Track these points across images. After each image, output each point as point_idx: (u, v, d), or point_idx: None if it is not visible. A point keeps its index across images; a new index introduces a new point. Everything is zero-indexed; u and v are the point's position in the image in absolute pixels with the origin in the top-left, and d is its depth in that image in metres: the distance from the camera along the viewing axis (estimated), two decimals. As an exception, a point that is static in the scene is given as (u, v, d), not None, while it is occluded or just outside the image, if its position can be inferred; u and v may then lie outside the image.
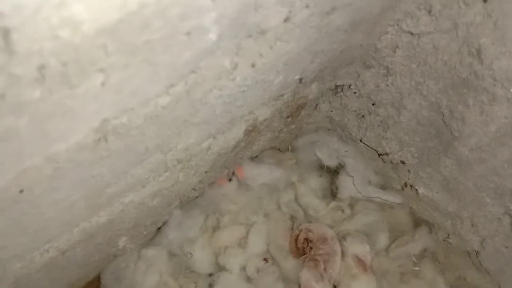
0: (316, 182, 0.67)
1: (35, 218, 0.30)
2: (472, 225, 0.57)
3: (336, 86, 0.58)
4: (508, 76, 0.43)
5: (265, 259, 0.59)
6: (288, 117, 0.54)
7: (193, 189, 0.52)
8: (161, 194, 0.44)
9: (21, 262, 0.35)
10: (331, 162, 0.65)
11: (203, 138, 0.40)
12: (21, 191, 0.26)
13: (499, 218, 0.53)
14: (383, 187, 0.64)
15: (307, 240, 0.63)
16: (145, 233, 0.51)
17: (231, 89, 0.34)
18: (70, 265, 0.43)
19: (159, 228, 0.57)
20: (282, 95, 0.47)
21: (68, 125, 0.23)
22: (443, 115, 0.51)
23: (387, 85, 0.54)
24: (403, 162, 0.60)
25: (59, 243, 0.37)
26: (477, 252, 0.58)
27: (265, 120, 0.48)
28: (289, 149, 0.67)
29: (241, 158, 0.57)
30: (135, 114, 0.28)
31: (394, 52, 0.50)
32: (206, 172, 0.49)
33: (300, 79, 0.46)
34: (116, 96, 0.25)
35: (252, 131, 0.48)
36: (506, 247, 0.54)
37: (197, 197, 0.58)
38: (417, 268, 0.65)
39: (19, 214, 0.28)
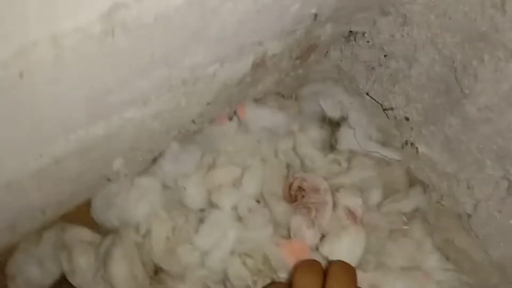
0: (316, 133, 0.66)
1: (32, 111, 0.29)
2: (468, 188, 0.56)
3: (350, 33, 0.56)
4: (530, 31, 0.42)
5: (258, 201, 0.59)
6: (297, 58, 0.53)
7: (192, 121, 0.51)
8: (162, 117, 0.43)
9: (14, 162, 0.34)
10: (334, 114, 0.64)
11: (210, 60, 0.39)
12: (21, 75, 0.25)
13: (497, 182, 0.53)
14: (383, 144, 0.63)
15: (300, 188, 0.63)
16: (140, 159, 0.51)
17: (246, 5, 0.33)
18: (63, 179, 0.42)
19: (154, 160, 0.57)
20: (294, 31, 0.46)
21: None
22: (455, 71, 0.50)
23: (402, 36, 0.53)
24: (407, 119, 0.59)
25: (54, 149, 0.36)
26: (469, 215, 0.58)
27: (274, 55, 0.47)
28: (293, 97, 0.66)
29: (245, 97, 0.56)
30: (146, 9, 0.26)
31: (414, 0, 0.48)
32: (208, 104, 0.48)
33: (316, 15, 0.44)
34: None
35: (259, 65, 0.47)
36: (500, 212, 0.54)
37: (195, 132, 0.57)
38: (406, 227, 0.65)
39: (16, 103, 0.27)
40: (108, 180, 0.51)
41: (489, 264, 0.60)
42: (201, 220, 0.59)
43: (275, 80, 0.55)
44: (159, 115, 0.42)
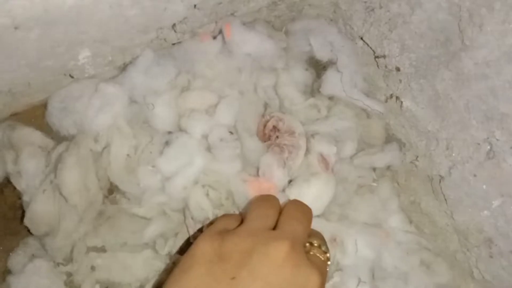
0: (300, 74, 0.62)
1: None
2: (447, 148, 0.55)
3: (355, -35, 0.52)
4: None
5: (231, 132, 0.55)
6: (297, -21, 0.48)
7: (174, 27, 0.46)
8: (142, 6, 0.38)
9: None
10: (323, 55, 0.60)
11: None
12: None
13: (478, 144, 0.51)
14: (367, 95, 0.61)
15: (275, 128, 0.60)
16: (110, 58, 0.45)
17: None
18: (20, 54, 0.37)
19: (124, 68, 0.51)
20: None
21: None
22: (460, 19, 0.47)
23: (411, -25, 0.49)
24: (398, 69, 0.56)
25: (14, 5, 0.30)
26: (442, 177, 0.57)
27: (275, -36, 0.42)
28: (284, 30, 0.61)
29: (234, 14, 0.51)
30: None
31: None
32: (195, 6, 0.43)
33: None
34: None
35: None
36: (475, 176, 0.53)
37: (174, 44, 0.52)
38: (374, 184, 0.63)
39: None
40: (71, 77, 0.46)
41: (451, 230, 0.59)
42: (167, 143, 0.55)
43: (269, 1, 0.50)
44: (139, 0, 0.37)
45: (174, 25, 0.45)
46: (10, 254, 0.51)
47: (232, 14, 0.50)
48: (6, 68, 0.37)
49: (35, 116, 0.52)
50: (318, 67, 0.63)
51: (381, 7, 0.54)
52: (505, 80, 0.46)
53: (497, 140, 0.49)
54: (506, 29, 0.44)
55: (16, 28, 0.32)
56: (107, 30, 0.39)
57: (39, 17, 0.32)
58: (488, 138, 0.50)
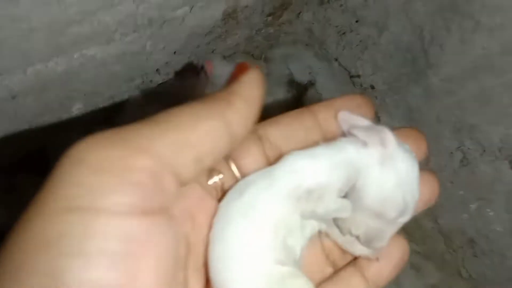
0: (283, 96, 0.66)
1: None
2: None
3: (323, -5, 0.55)
4: (495, 3, 0.43)
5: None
6: (269, 15, 0.52)
7: (157, 71, 0.50)
8: (125, 60, 0.41)
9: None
10: (303, 77, 0.64)
11: (180, 2, 0.38)
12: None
13: (452, 153, 0.55)
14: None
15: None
16: (101, 106, 0.49)
17: None
18: (20, 117, 0.40)
19: (116, 110, 0.55)
20: (269, -16, 0.45)
21: None
22: (423, 41, 0.51)
23: (375, 2, 0.53)
24: (372, 87, 0.60)
25: (11, 81, 0.34)
26: (423, 185, 0.60)
27: (246, 7, 0.46)
28: (263, 58, 0.65)
29: (213, 52, 0.54)
30: None
31: (391, -37, 0.48)
32: (175, 52, 0.47)
33: (291, -31, 0.44)
34: None
35: (231, 16, 0.46)
36: (451, 182, 0.56)
37: (160, 84, 0.55)
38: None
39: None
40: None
41: (437, 233, 0.62)
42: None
43: (246, 37, 0.54)
44: (122, 56, 0.40)
45: (157, 69, 0.49)
46: None
47: (211, 52, 0.54)
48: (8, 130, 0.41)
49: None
50: (299, 89, 0.66)
51: (351, 31, 0.58)
52: (469, 95, 0.50)
53: (468, 149, 0.53)
54: (463, 49, 0.47)
55: (14, 97, 0.36)
56: (96, 85, 0.43)
57: (33, 85, 0.36)
58: (460, 147, 0.54)
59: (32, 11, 0.28)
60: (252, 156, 0.28)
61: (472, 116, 0.51)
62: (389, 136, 0.27)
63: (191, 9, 0.40)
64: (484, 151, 0.51)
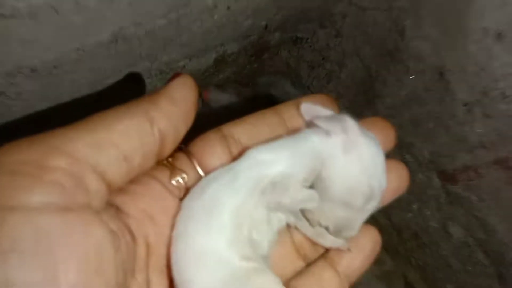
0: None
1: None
2: (378, 167, 0.72)
3: (297, 38, 0.70)
4: (419, 54, 0.57)
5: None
6: (252, 56, 0.66)
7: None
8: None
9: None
10: (283, 101, 0.78)
11: (181, 57, 0.52)
12: None
13: (397, 164, 0.69)
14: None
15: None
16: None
17: (210, 23, 0.46)
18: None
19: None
20: (249, 36, 0.59)
21: None
22: (371, 77, 0.65)
23: (335, 45, 0.67)
24: (337, 110, 0.74)
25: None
26: (378, 189, 0.74)
27: (232, 53, 0.60)
28: (250, 84, 0.79)
29: (209, 83, 0.69)
30: (141, 28, 0.39)
31: (344, 19, 0.63)
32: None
33: (266, 26, 0.58)
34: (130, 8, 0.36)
35: (221, 61, 0.60)
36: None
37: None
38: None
39: None
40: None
41: (391, 228, 0.77)
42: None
43: (234, 72, 0.68)
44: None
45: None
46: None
47: (206, 84, 0.68)
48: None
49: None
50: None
51: (319, 66, 0.72)
52: (406, 119, 0.64)
53: (408, 161, 0.67)
54: (399, 85, 0.61)
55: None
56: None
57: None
58: (402, 160, 0.68)
59: (72, 86, 0.42)
60: (216, 155, 0.28)
61: (409, 136, 0.65)
62: (350, 124, 0.27)
63: (190, 60, 0.54)
64: (420, 164, 0.66)
